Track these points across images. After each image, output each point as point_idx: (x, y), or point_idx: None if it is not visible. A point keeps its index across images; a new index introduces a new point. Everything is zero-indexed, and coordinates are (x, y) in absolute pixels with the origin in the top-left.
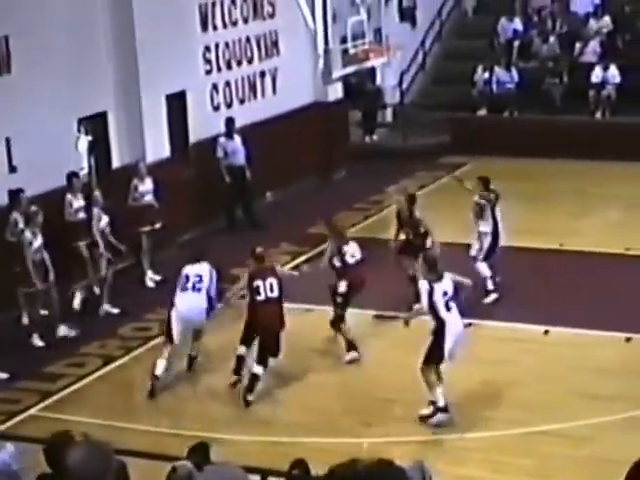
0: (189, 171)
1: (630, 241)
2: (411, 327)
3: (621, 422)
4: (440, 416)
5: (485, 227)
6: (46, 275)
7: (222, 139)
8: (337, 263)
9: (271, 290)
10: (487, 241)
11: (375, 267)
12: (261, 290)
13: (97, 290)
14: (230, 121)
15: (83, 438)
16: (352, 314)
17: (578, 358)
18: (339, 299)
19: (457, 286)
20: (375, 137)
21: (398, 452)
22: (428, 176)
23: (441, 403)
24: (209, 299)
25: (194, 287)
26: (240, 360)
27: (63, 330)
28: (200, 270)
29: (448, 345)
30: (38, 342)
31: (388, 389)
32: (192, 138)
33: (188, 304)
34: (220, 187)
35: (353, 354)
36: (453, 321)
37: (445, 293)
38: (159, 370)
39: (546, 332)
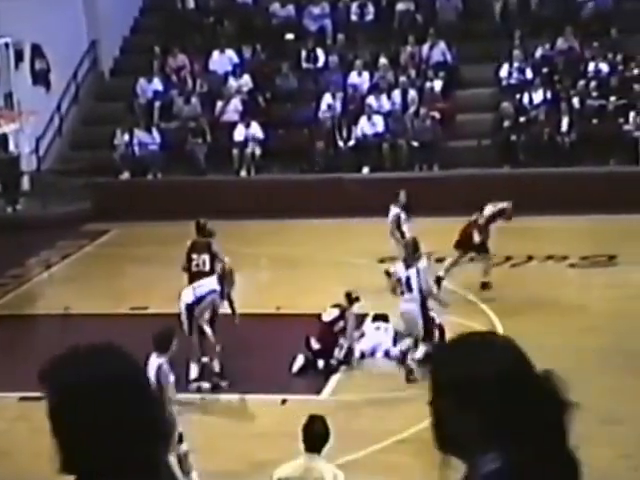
0: None
1: (280, 300)
2: None
3: None
4: None
5: None
6: None
7: None
8: None
9: None
10: None
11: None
12: None
13: None
14: None
15: None
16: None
17: (237, 425)
18: None
19: None
20: (19, 207)
21: None
22: (71, 245)
23: None
24: None
25: None
26: None
27: None
28: None
29: None
30: None
31: None
32: None
33: None
34: None
35: None
36: None
37: None
38: None
39: (202, 400)
